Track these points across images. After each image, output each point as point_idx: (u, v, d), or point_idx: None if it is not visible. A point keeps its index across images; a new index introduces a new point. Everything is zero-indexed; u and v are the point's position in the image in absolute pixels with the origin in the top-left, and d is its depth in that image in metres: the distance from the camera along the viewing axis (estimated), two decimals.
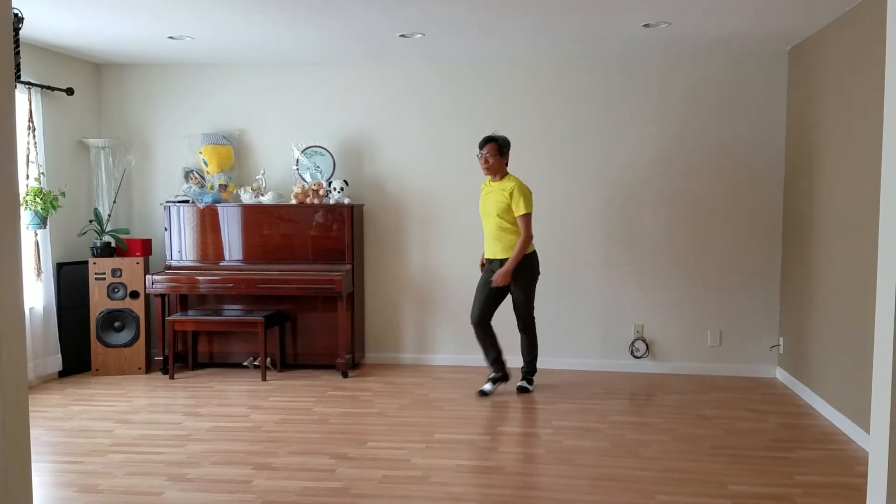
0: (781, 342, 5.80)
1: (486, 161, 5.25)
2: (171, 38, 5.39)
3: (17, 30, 2.51)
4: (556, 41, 5.47)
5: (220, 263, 6.12)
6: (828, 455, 4.14)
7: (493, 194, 5.26)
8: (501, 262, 5.23)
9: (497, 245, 5.27)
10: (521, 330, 5.42)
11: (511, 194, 5.15)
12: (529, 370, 5.48)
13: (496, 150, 5.23)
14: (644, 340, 6.07)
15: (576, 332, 6.15)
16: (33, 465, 4.03)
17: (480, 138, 5.32)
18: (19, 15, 2.53)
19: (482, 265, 5.50)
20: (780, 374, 5.81)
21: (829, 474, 3.85)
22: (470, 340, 6.23)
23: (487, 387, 5.41)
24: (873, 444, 2.14)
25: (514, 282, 5.24)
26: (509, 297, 5.36)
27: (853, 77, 4.50)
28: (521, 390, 5.42)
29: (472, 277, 6.15)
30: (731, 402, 5.20)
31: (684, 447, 4.26)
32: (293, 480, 3.80)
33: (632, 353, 6.07)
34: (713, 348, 6.00)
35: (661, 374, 5.98)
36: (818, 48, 5.14)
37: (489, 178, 5.35)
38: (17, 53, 2.54)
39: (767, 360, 5.92)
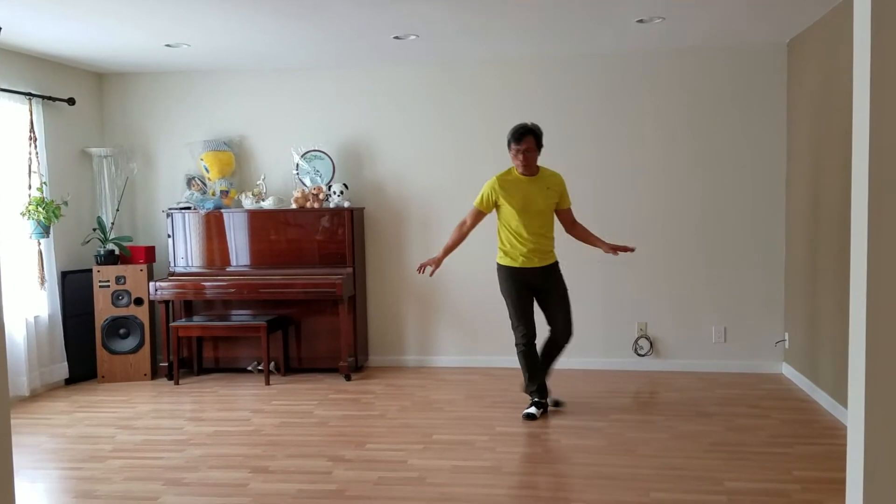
0: (787, 337, 5.74)
1: (525, 157, 4.70)
2: (168, 45, 5.43)
3: None
4: (552, 39, 5.45)
5: (223, 269, 6.15)
6: (829, 450, 4.08)
7: (538, 191, 4.74)
8: (549, 268, 4.83)
9: (547, 248, 4.85)
10: (566, 339, 4.91)
11: (561, 189, 4.83)
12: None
13: (535, 144, 4.72)
14: (648, 338, 6.03)
15: (578, 330, 6.08)
16: (35, 472, 4.09)
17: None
18: None
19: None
20: (786, 370, 5.75)
21: (828, 469, 3.80)
22: (473, 341, 6.24)
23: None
24: (851, 427, 2.12)
25: (560, 281, 4.88)
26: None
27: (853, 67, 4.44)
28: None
29: (474, 278, 6.14)
30: (735, 399, 5.15)
31: (683, 444, 4.22)
32: (289, 483, 3.80)
33: (635, 351, 6.03)
34: (718, 345, 5.95)
35: (665, 372, 5.94)
36: (817, 39, 5.08)
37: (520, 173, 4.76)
38: None
39: (773, 356, 5.86)
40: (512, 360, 6.10)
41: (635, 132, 5.95)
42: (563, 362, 6.07)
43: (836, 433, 4.36)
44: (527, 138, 4.68)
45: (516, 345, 4.85)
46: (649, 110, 5.93)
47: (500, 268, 4.87)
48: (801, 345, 5.42)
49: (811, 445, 4.18)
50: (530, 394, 4.91)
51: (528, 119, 6.08)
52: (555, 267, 4.90)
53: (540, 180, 4.79)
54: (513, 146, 4.71)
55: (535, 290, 4.84)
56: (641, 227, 5.97)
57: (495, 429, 4.63)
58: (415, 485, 3.74)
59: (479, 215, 4.87)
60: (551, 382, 5.06)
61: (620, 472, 3.84)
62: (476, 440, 4.44)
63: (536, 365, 4.85)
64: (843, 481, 3.64)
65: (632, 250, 4.89)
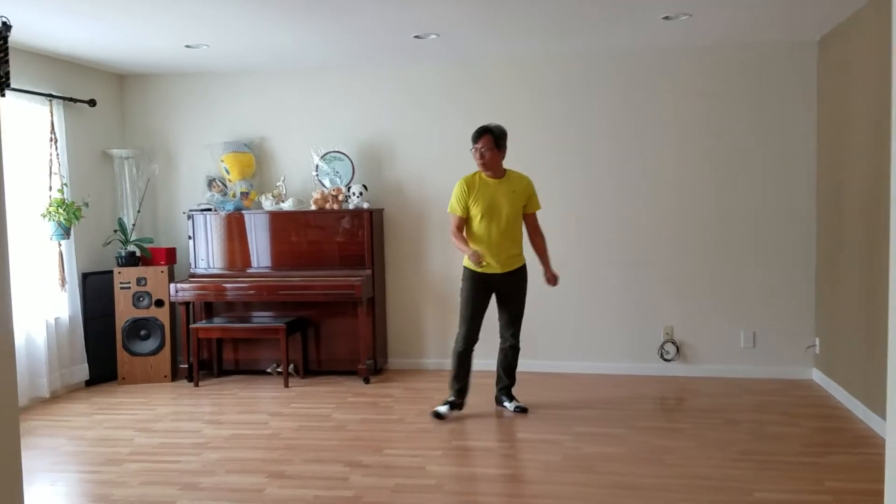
0: (817, 342, 5.58)
1: (483, 156, 4.67)
2: (188, 46, 5.41)
3: (4, 38, 2.50)
4: (576, 37, 5.35)
5: (243, 270, 6.12)
6: (862, 460, 3.95)
7: (503, 194, 4.72)
8: (512, 273, 4.81)
9: (511, 253, 4.79)
10: (513, 344, 5.00)
11: (528, 192, 4.79)
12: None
13: (493, 143, 4.65)
14: (674, 343, 5.89)
15: (602, 335, 6.00)
16: (54, 475, 4.06)
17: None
18: (7, 23, 2.51)
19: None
20: (817, 376, 5.59)
21: (862, 480, 3.66)
22: (494, 345, 6.11)
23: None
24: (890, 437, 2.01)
25: (521, 289, 4.89)
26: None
27: (887, 66, 4.30)
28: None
29: None
30: (764, 406, 5.01)
31: (710, 453, 4.10)
32: (305, 489, 3.74)
33: (661, 356, 5.90)
34: (747, 350, 5.80)
35: (692, 378, 5.80)
36: (849, 37, 4.93)
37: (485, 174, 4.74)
38: (6, 62, 2.53)
39: (803, 362, 5.70)
40: (533, 364, 6.03)
41: (658, 131, 5.83)
42: (585, 367, 6.01)
43: (870, 442, 4.21)
44: (484, 137, 4.65)
45: (455, 341, 4.85)
46: (674, 109, 5.81)
47: (464, 269, 4.86)
48: (833, 350, 5.27)
49: (844, 455, 4.04)
50: (451, 390, 4.93)
51: (547, 117, 6.02)
52: (519, 273, 4.85)
53: (506, 183, 4.75)
54: (472, 146, 4.70)
55: (496, 294, 4.84)
56: (665, 228, 5.85)
57: (516, 435, 4.54)
58: (432, 492, 3.66)
59: (462, 221, 4.80)
60: (521, 388, 5.16)
61: (644, 481, 3.73)
62: (496, 447, 4.35)
63: (467, 369, 4.86)
64: (878, 493, 3.50)
65: (549, 282, 4.91)
